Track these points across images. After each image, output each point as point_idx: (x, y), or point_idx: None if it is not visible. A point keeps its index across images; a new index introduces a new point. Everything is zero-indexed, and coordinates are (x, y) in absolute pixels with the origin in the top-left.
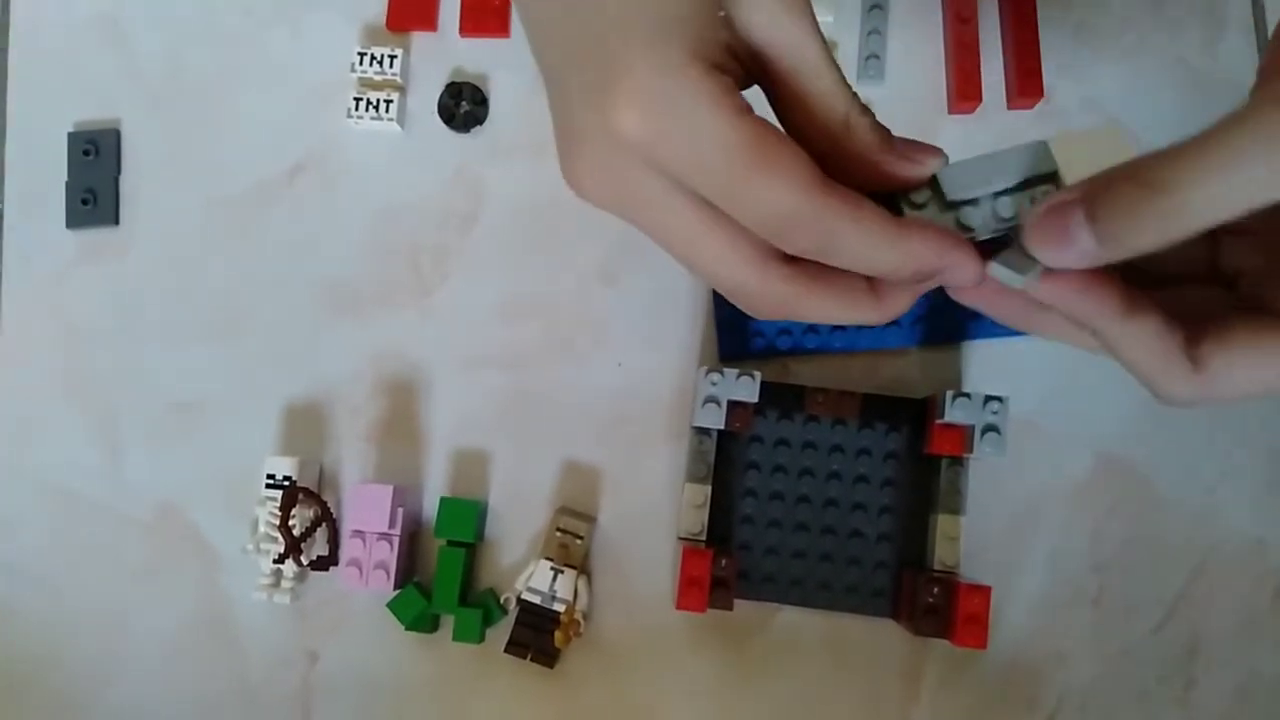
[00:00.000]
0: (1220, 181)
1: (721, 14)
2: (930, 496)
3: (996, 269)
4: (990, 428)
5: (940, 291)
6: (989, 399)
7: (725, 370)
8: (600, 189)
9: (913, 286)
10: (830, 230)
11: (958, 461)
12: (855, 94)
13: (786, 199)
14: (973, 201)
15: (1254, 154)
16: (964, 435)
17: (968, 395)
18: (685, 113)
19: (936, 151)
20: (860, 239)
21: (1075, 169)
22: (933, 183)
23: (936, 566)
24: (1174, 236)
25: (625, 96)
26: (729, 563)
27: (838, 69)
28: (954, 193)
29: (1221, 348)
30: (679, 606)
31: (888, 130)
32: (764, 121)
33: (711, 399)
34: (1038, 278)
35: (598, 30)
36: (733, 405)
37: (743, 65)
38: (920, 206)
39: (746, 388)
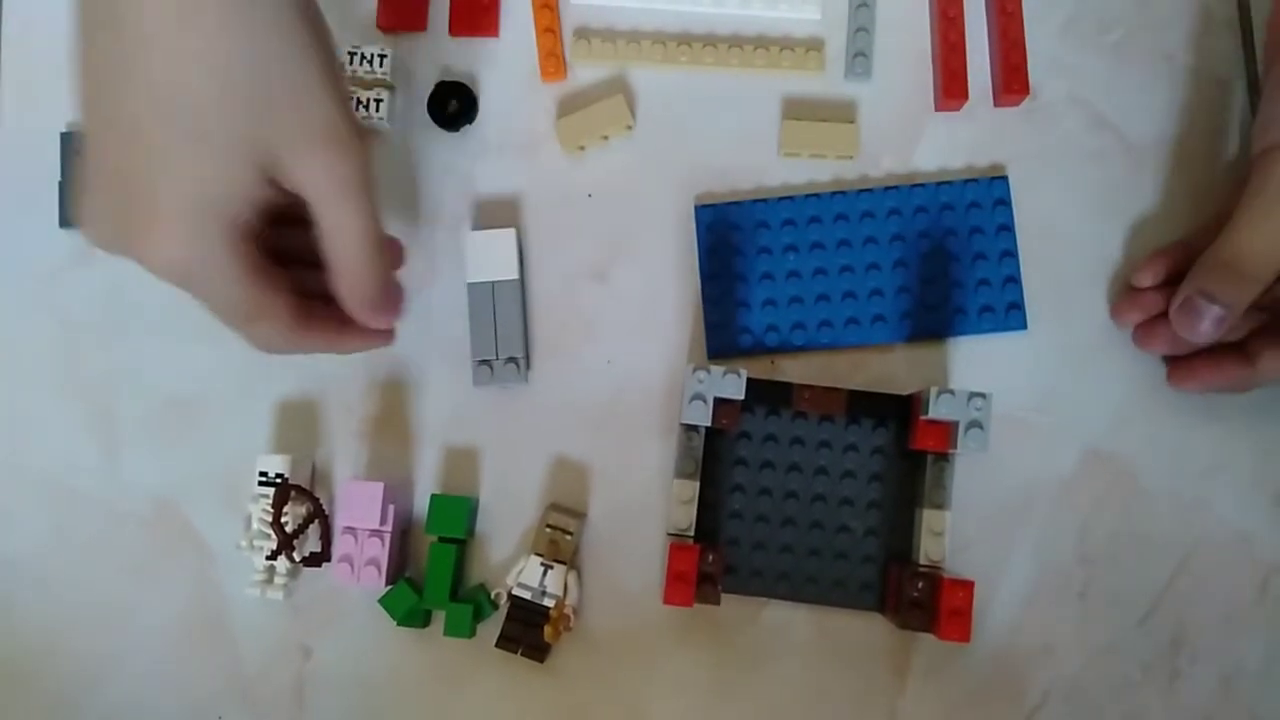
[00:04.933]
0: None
1: (267, 179)
2: (916, 491)
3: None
4: (974, 423)
5: (929, 288)
6: (973, 395)
7: (711, 368)
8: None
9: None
10: (305, 347)
11: (943, 457)
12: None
13: (273, 337)
14: None
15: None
16: (948, 431)
17: (952, 391)
18: (205, 272)
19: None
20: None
21: None
22: None
23: (922, 561)
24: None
25: (162, 238)
26: (716, 558)
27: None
28: None
29: (1269, 348)
30: (666, 601)
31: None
32: (263, 276)
33: (698, 396)
34: None
35: (151, 174)
36: (720, 402)
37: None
38: None
39: (733, 385)
